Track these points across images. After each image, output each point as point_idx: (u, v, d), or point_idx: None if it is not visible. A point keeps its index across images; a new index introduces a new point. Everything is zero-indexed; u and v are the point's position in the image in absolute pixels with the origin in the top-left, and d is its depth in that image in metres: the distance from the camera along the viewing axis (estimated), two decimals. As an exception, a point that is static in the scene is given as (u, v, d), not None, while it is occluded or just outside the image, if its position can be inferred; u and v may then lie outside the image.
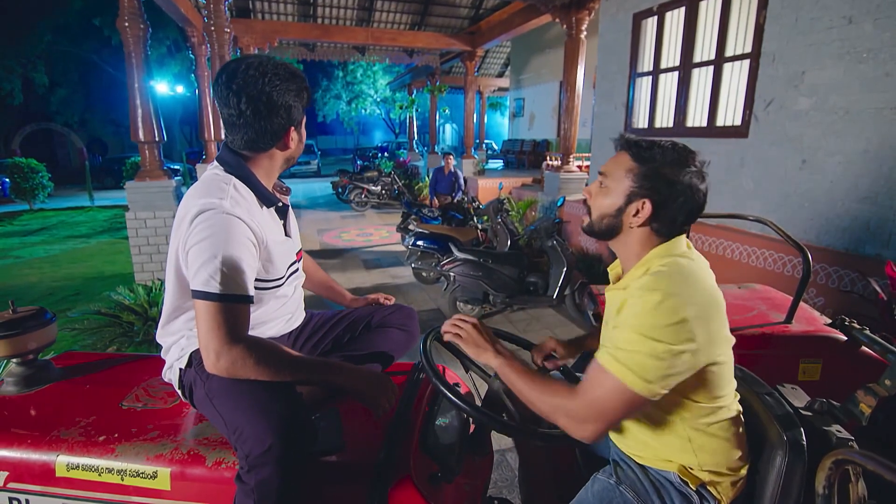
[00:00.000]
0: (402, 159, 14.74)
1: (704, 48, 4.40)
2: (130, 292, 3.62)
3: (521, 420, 1.11)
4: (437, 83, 13.03)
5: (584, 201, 1.12)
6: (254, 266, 1.17)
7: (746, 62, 3.92)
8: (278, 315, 1.40)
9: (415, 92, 16.89)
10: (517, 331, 4.03)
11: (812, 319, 1.90)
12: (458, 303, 4.22)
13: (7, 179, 11.93)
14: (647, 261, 1.01)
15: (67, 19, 16.74)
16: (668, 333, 0.89)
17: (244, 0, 8.53)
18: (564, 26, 6.43)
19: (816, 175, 3.46)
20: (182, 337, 1.28)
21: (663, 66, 4.89)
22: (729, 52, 4.13)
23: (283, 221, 1.36)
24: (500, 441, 2.38)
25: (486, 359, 1.09)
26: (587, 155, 8.62)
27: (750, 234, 3.88)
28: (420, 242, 4.84)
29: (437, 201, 7.54)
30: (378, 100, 25.69)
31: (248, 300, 1.14)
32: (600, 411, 0.93)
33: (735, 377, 1.08)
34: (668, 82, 4.86)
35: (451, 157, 7.52)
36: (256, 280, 1.21)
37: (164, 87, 17.78)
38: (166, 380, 1.33)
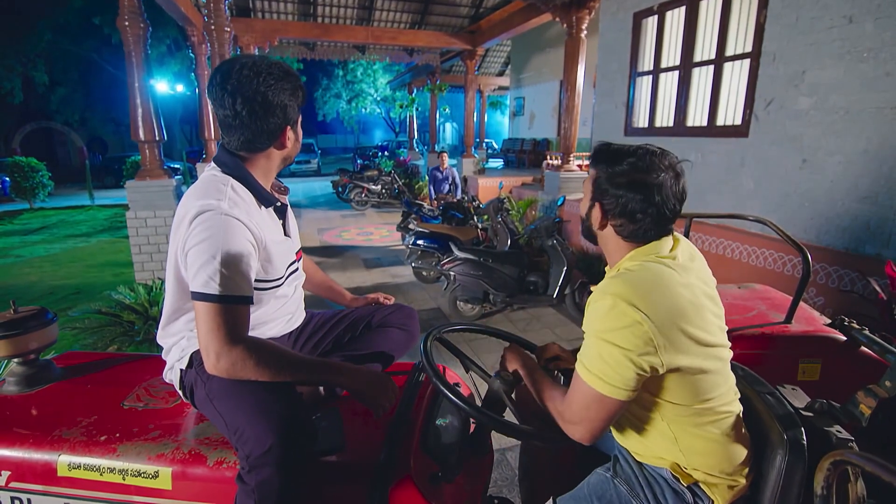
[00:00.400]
0: (402, 158, 14.73)
1: (705, 47, 4.40)
2: (131, 291, 3.62)
3: (521, 420, 1.12)
4: (438, 82, 13.01)
5: None
6: (253, 267, 1.17)
7: (747, 62, 3.92)
8: (278, 315, 1.41)
9: (415, 91, 16.87)
10: (517, 330, 4.03)
11: (812, 319, 1.90)
12: (458, 302, 4.23)
13: (7, 178, 11.94)
14: (620, 264, 1.05)
15: (67, 18, 16.72)
16: (623, 337, 0.91)
17: (244, -1, 8.54)
18: (565, 25, 6.42)
19: (817, 175, 3.46)
20: (183, 338, 1.28)
21: (664, 65, 4.88)
22: (729, 52, 4.13)
23: (281, 221, 1.36)
24: (501, 440, 2.38)
25: (515, 365, 1.22)
26: (587, 154, 8.61)
27: (750, 234, 3.88)
28: (420, 241, 4.84)
29: (435, 201, 7.58)
30: (378, 99, 25.70)
31: (248, 301, 1.14)
32: (583, 415, 0.98)
33: (736, 376, 1.08)
34: (669, 82, 4.86)
35: (446, 154, 7.68)
36: (256, 280, 1.21)
37: (164, 86, 17.76)
38: (167, 380, 1.34)
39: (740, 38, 4.05)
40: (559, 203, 4.69)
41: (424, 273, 5.21)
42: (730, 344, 1.05)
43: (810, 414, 1.10)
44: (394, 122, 29.07)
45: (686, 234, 2.01)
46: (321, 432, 1.18)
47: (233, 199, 1.17)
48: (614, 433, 1.16)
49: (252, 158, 1.25)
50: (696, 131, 4.49)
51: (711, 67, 4.29)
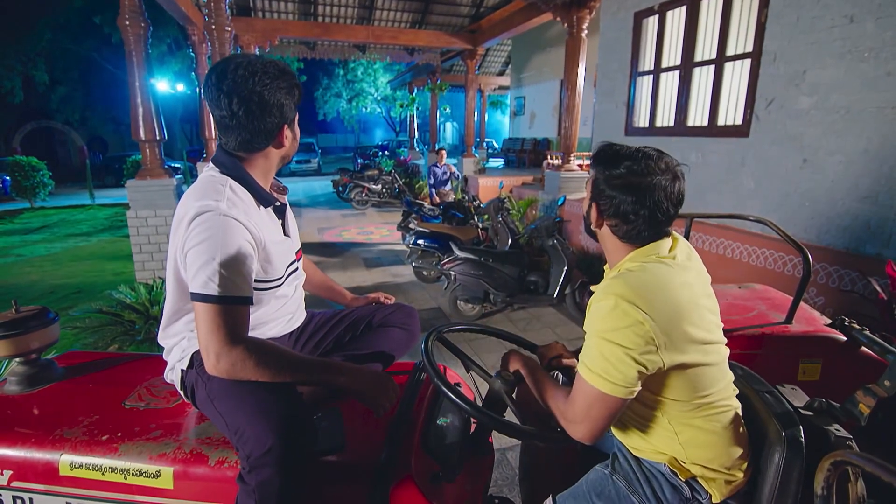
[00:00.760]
0: (402, 158, 14.73)
1: (705, 47, 4.39)
2: (132, 291, 3.63)
3: (522, 420, 1.12)
4: (438, 81, 13.00)
5: None
6: (252, 267, 1.17)
7: (747, 61, 3.92)
8: (279, 315, 1.41)
9: (415, 90, 16.86)
10: (518, 330, 4.04)
11: (812, 319, 1.90)
12: (458, 302, 4.23)
13: (8, 177, 11.96)
14: (621, 265, 1.07)
15: (68, 17, 16.72)
16: (625, 336, 0.93)
17: (245, -2, 8.53)
18: (565, 25, 6.42)
19: (817, 174, 3.46)
20: (183, 338, 1.28)
21: (664, 64, 4.88)
22: (730, 52, 4.13)
23: (280, 221, 1.36)
24: (501, 440, 2.38)
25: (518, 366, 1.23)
26: (588, 154, 8.61)
27: (750, 234, 3.88)
28: (421, 241, 4.84)
29: (436, 198, 7.61)
30: (378, 98, 25.68)
31: (248, 301, 1.14)
32: (585, 414, 0.99)
33: (735, 375, 1.09)
34: (669, 81, 4.85)
35: (445, 151, 7.95)
36: (256, 281, 1.21)
37: (164, 86, 17.75)
38: (168, 381, 1.34)
39: (741, 38, 4.05)
40: (559, 203, 4.69)
41: (425, 273, 5.21)
42: (726, 340, 1.07)
43: (809, 413, 1.11)
44: (394, 122, 29.05)
45: (686, 235, 2.01)
46: (322, 432, 1.18)
47: (231, 199, 1.17)
48: (613, 430, 1.17)
49: (250, 158, 1.25)
50: (697, 131, 4.49)
51: (712, 67, 4.28)
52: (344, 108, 26.49)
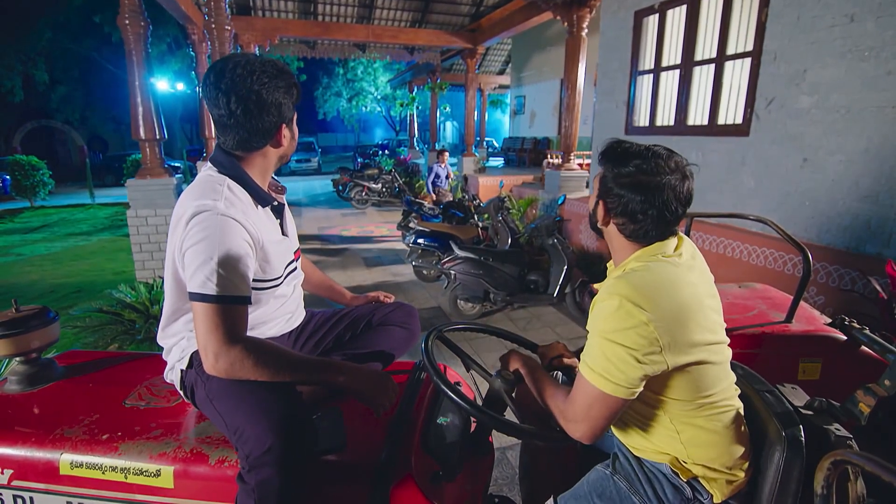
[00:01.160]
0: (402, 157, 14.73)
1: (706, 46, 4.39)
2: (132, 290, 3.63)
3: (521, 419, 1.12)
4: (438, 80, 13.00)
5: None
6: (251, 267, 1.17)
7: (748, 60, 3.92)
8: (278, 315, 1.41)
9: (415, 89, 16.85)
10: (518, 329, 4.04)
11: (812, 319, 1.91)
12: (458, 301, 4.23)
13: (8, 177, 11.95)
14: (626, 263, 1.06)
15: (68, 16, 16.69)
16: (629, 337, 0.92)
17: (244, -3, 8.53)
18: (565, 24, 6.41)
19: (817, 174, 3.46)
20: (182, 338, 1.28)
21: (664, 64, 4.88)
22: (730, 51, 4.13)
23: (279, 221, 1.36)
24: (501, 439, 2.39)
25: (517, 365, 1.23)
26: (588, 153, 8.61)
27: (751, 233, 3.88)
28: (421, 240, 4.84)
29: (432, 195, 7.67)
30: (378, 97, 25.66)
31: (246, 301, 1.14)
32: (585, 414, 0.99)
33: (736, 375, 1.09)
34: (670, 80, 4.85)
35: (447, 152, 8.08)
36: (254, 280, 1.21)
37: (164, 85, 17.73)
38: (168, 381, 1.34)
39: (741, 37, 4.04)
40: (560, 202, 4.70)
41: (425, 272, 5.21)
42: (729, 340, 1.06)
43: (809, 412, 1.11)
44: (394, 121, 29.03)
45: (687, 234, 2.01)
46: (322, 431, 1.18)
47: (229, 198, 1.17)
48: (614, 430, 1.17)
49: (248, 157, 1.25)
50: (697, 130, 4.49)
51: (712, 66, 4.28)
52: (344, 107, 26.48)
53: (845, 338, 1.73)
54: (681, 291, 0.96)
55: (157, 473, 1.15)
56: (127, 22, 4.52)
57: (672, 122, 4.82)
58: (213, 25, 6.13)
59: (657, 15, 4.87)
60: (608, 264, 1.21)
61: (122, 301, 3.49)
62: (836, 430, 1.04)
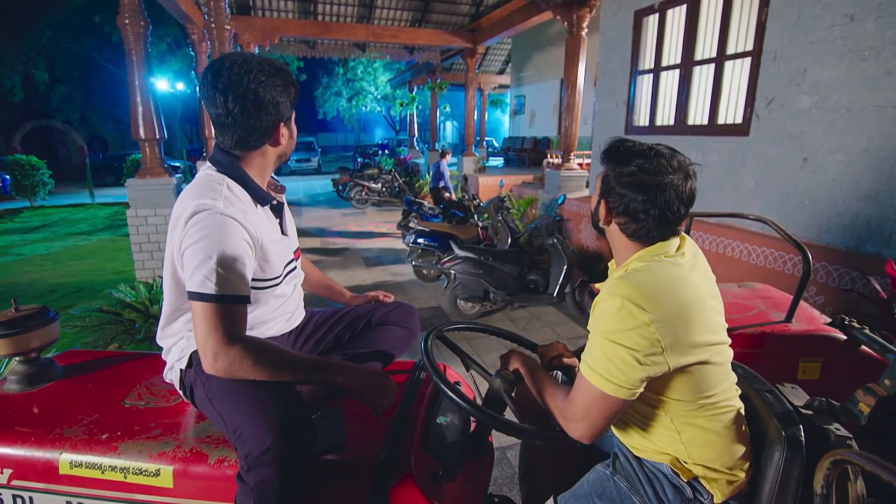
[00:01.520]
0: (402, 156, 14.73)
1: (706, 46, 4.39)
2: (131, 290, 3.63)
3: (521, 419, 1.12)
4: (438, 80, 12.99)
5: None
6: (250, 266, 1.17)
7: (748, 60, 3.91)
8: (278, 314, 1.40)
9: (415, 89, 16.85)
10: (518, 329, 4.04)
11: (812, 318, 1.90)
12: (458, 300, 4.23)
13: (8, 176, 11.95)
14: (628, 263, 1.06)
15: (68, 16, 16.68)
16: (630, 338, 0.92)
17: (244, -3, 8.52)
18: (565, 23, 6.41)
19: (817, 173, 3.45)
20: (182, 338, 1.28)
21: (664, 63, 4.88)
22: (730, 50, 4.13)
23: (278, 220, 1.35)
24: (501, 439, 2.39)
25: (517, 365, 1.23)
26: (588, 153, 8.61)
27: (751, 233, 3.88)
28: (421, 240, 4.84)
29: (453, 196, 7.72)
30: (378, 97, 25.65)
31: (245, 300, 1.13)
32: (585, 414, 0.99)
33: (736, 375, 1.09)
34: (670, 80, 4.85)
35: (449, 152, 8.17)
36: (253, 280, 1.21)
37: (164, 85, 17.71)
38: (167, 380, 1.34)
39: (741, 37, 4.04)
40: (559, 202, 4.70)
41: (425, 271, 5.21)
42: (730, 341, 1.06)
43: (809, 412, 1.11)
44: (394, 121, 29.02)
45: (687, 233, 2.00)
46: (322, 431, 1.18)
47: (228, 198, 1.16)
48: (615, 430, 1.17)
49: (247, 157, 1.24)
50: (697, 130, 4.48)
51: (712, 66, 4.28)
52: (344, 106, 26.47)
53: (845, 337, 1.73)
54: (683, 292, 0.96)
55: (157, 473, 1.15)
56: (127, 22, 4.52)
57: (672, 122, 4.82)
58: (213, 25, 6.13)
59: (657, 15, 4.87)
60: (609, 263, 1.21)
61: (122, 301, 3.49)
62: (836, 429, 1.04)
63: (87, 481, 1.17)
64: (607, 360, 0.94)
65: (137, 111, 4.69)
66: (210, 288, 1.07)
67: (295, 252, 1.45)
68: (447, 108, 15.35)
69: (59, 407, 1.34)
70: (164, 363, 1.33)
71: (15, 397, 1.38)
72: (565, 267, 4.06)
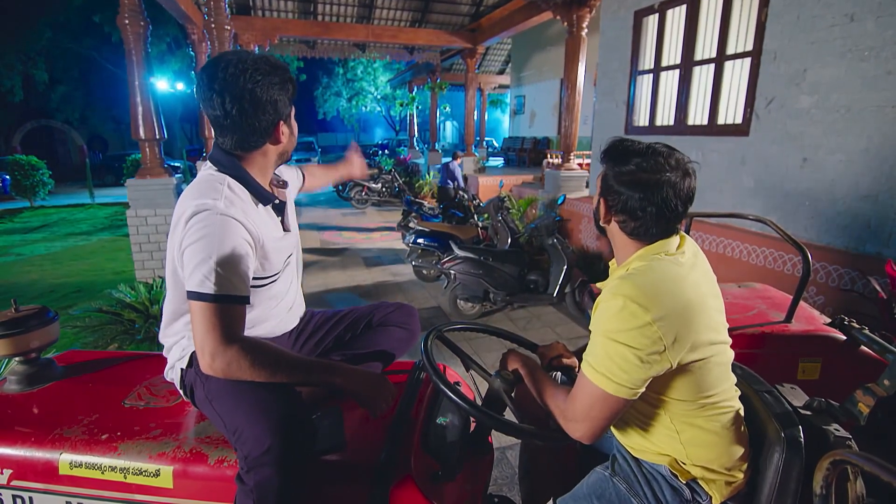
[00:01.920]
0: (402, 157, 14.73)
1: (706, 46, 4.39)
2: (131, 290, 3.63)
3: (521, 419, 1.12)
4: (438, 80, 12.99)
5: None
6: (250, 266, 1.16)
7: (748, 60, 3.91)
8: (276, 310, 1.40)
9: (415, 89, 16.85)
10: (517, 329, 4.04)
11: (812, 319, 1.90)
12: (458, 301, 4.23)
13: (7, 176, 11.95)
14: (629, 262, 1.06)
15: (68, 16, 16.68)
16: (633, 337, 0.92)
17: (244, -3, 8.52)
18: (565, 24, 6.41)
19: (817, 173, 3.45)
20: (183, 337, 1.28)
21: (664, 63, 4.88)
22: (730, 50, 4.13)
23: (280, 217, 1.35)
24: (501, 439, 2.39)
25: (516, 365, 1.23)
26: (588, 153, 8.61)
27: (750, 233, 3.88)
28: (420, 240, 4.84)
29: (437, 196, 7.70)
30: (378, 97, 25.64)
31: (244, 301, 1.13)
32: (586, 414, 0.99)
33: (735, 375, 1.09)
34: (670, 80, 4.85)
35: (461, 155, 8.27)
36: (253, 278, 1.20)
37: (164, 85, 17.72)
38: (168, 379, 1.34)
39: (741, 37, 4.04)
40: (559, 202, 4.69)
41: (425, 272, 5.21)
42: (731, 341, 1.06)
43: (809, 412, 1.11)
44: (394, 121, 29.01)
45: (686, 233, 2.01)
46: (322, 431, 1.18)
47: (229, 198, 1.15)
48: (614, 430, 1.17)
49: (248, 156, 1.23)
50: (697, 130, 4.48)
51: (712, 66, 4.28)
52: (344, 106, 26.46)
53: (845, 337, 1.73)
54: (684, 290, 0.96)
55: (157, 473, 1.14)
56: (127, 22, 4.52)
57: (672, 122, 4.82)
58: (213, 25, 6.13)
59: (657, 15, 4.87)
60: (610, 263, 1.21)
61: (122, 301, 3.49)
62: (836, 430, 1.04)
63: (87, 481, 1.17)
64: (610, 360, 0.95)
65: (137, 111, 4.69)
66: (209, 287, 1.07)
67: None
68: (447, 108, 15.36)
69: (59, 407, 1.34)
70: (164, 363, 1.32)
71: (15, 397, 1.38)
72: (565, 267, 4.06)
